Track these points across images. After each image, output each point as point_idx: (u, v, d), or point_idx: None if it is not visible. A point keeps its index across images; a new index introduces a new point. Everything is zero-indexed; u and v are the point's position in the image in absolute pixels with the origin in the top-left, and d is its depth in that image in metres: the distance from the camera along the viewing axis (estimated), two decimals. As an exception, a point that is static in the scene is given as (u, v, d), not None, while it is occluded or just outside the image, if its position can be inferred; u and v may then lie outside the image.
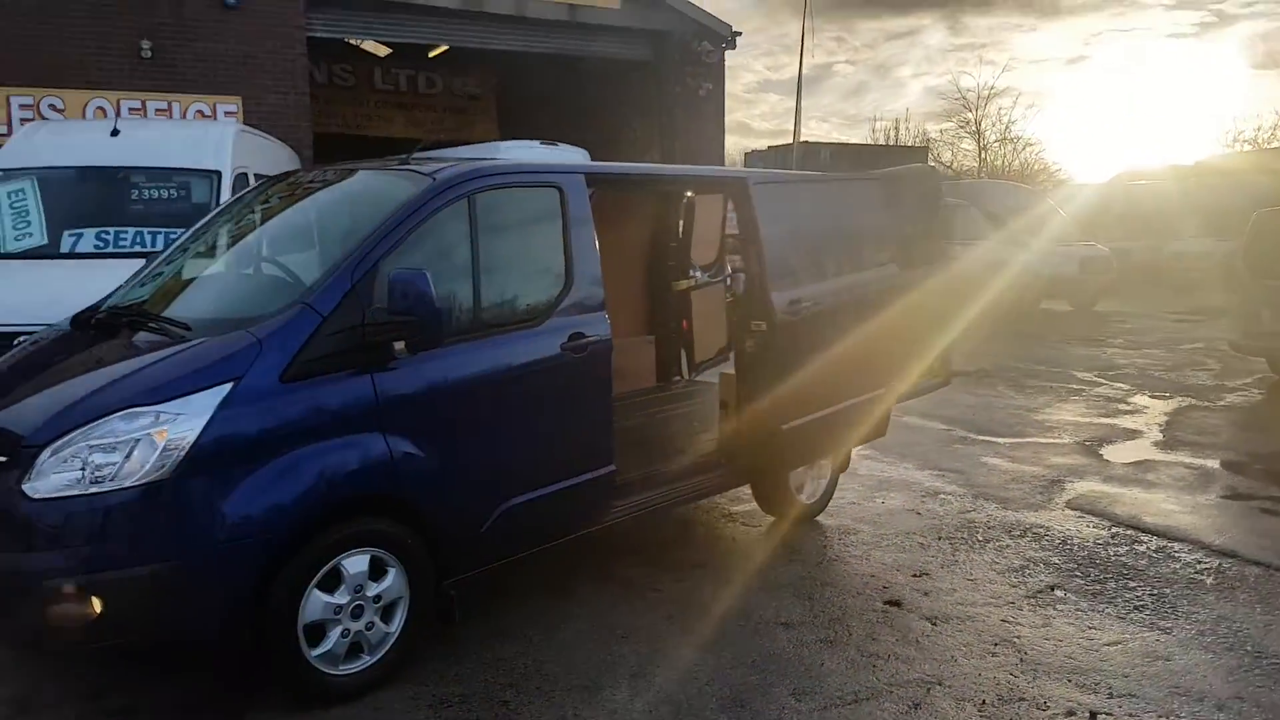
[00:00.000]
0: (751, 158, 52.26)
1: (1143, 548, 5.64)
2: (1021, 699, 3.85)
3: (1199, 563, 5.40)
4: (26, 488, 3.27)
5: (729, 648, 4.24)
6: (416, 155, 4.83)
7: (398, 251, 3.79)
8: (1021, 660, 4.20)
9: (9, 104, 11.43)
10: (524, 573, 4.86)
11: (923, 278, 6.46)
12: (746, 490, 6.03)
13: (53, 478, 3.27)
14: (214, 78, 12.40)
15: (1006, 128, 45.30)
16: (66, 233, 7.42)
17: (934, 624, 4.57)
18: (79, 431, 3.30)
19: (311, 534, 3.53)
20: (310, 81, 16.96)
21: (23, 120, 11.31)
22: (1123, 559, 5.45)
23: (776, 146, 45.37)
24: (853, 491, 6.76)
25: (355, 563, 3.66)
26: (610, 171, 5.69)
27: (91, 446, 3.28)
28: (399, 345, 3.69)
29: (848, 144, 44.15)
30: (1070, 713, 3.76)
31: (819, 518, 6.13)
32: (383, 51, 19.55)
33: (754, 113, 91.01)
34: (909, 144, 50.91)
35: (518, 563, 4.50)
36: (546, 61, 16.84)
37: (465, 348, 3.98)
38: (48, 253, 7.22)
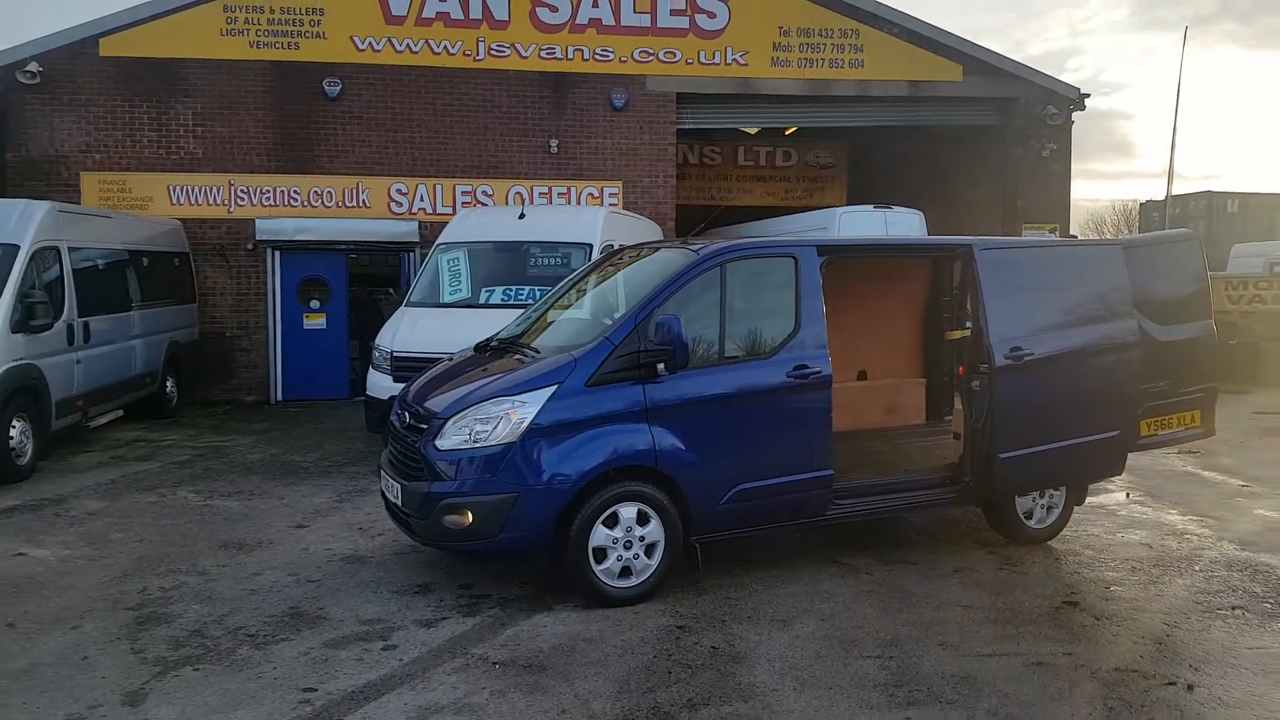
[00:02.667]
0: (1147, 208, 48.48)
1: (1367, 593, 5.85)
2: (1134, 670, 4.67)
3: None
4: (437, 442, 5.43)
5: (906, 612, 5.44)
6: (703, 230, 6.61)
7: (668, 303, 5.56)
8: (1159, 648, 4.95)
9: (454, 190, 15.02)
10: (762, 549, 6.42)
11: (1174, 335, 7.07)
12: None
13: (451, 438, 5.41)
14: (602, 166, 15.29)
15: None
16: (484, 289, 10.18)
17: (1097, 619, 5.39)
18: (469, 410, 5.42)
19: (599, 486, 5.36)
20: (684, 162, 19.81)
21: (463, 202, 14.85)
22: (1334, 598, 5.75)
23: (1177, 197, 42.01)
24: (1100, 526, 7.41)
25: (627, 510, 5.43)
26: (838, 243, 7.11)
27: (475, 420, 5.38)
28: (661, 366, 5.43)
29: (1259, 194, 39.86)
30: (1171, 683, 4.52)
31: (1050, 543, 6.92)
32: (753, 129, 21.94)
33: (1179, 155, 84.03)
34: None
35: (757, 541, 6.01)
36: (893, 130, 18.11)
37: (712, 371, 5.66)
38: (470, 303, 10.00)
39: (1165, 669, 4.72)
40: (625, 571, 5.49)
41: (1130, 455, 7.03)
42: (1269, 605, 5.63)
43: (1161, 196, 42.18)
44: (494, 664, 4.67)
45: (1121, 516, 7.73)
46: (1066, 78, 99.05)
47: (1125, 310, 6.85)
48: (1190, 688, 4.51)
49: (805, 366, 5.83)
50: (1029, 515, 6.85)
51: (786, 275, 5.96)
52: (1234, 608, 5.59)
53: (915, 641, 5.01)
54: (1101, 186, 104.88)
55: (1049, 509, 6.92)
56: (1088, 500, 7.41)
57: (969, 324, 6.79)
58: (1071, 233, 25.80)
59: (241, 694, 4.32)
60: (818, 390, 5.88)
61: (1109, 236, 51.02)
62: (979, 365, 6.45)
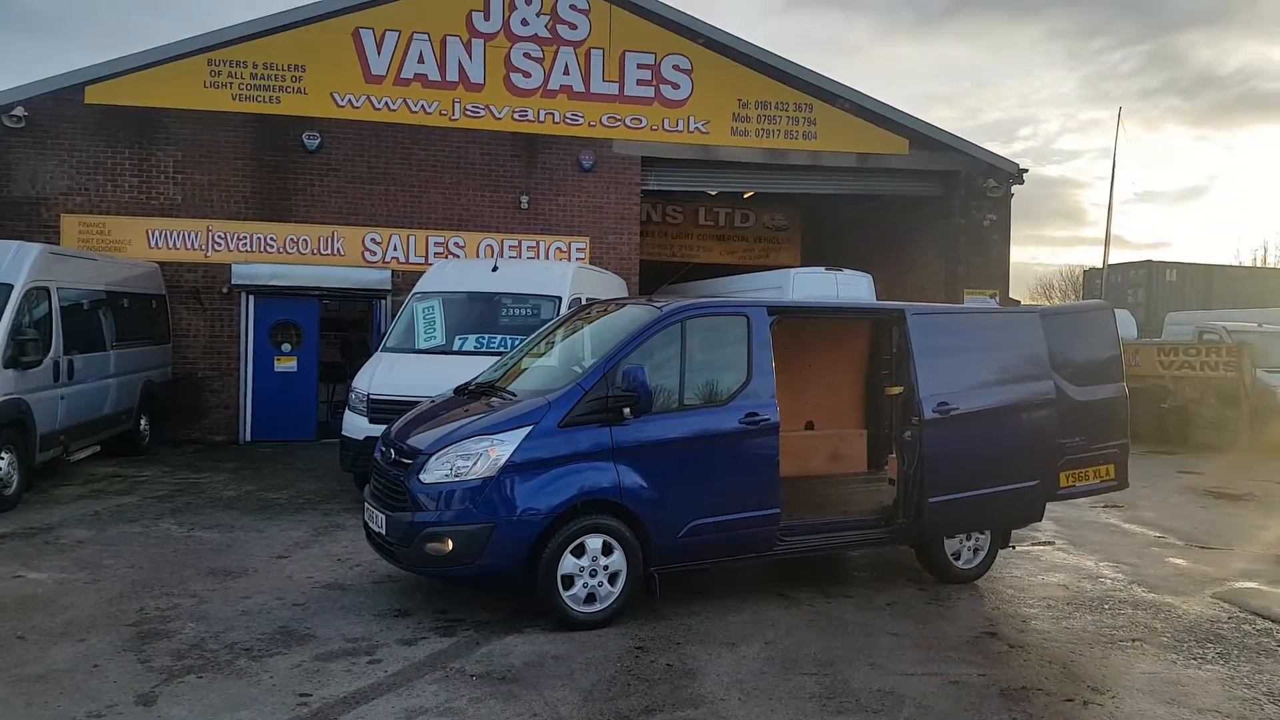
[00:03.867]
0: (1090, 274, 50.45)
1: (1248, 627, 6.59)
2: (1039, 689, 5.30)
3: (1293, 642, 6.27)
4: (421, 476, 5.98)
5: (841, 637, 6.05)
6: (670, 285, 7.29)
7: (633, 354, 6.19)
8: (1063, 671, 5.60)
9: (427, 241, 15.62)
10: (716, 581, 7.00)
11: (1089, 395, 7.83)
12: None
13: (434, 472, 5.95)
14: (570, 222, 16.03)
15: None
16: (458, 337, 10.76)
17: (1011, 647, 6.04)
18: (451, 447, 5.98)
19: (568, 519, 5.93)
20: (648, 220, 20.63)
21: (436, 253, 15.46)
22: (1220, 630, 6.46)
23: (1118, 265, 43.69)
24: (1023, 569, 8.09)
25: (593, 541, 6.00)
26: (785, 305, 7.88)
27: (457, 455, 5.94)
28: (627, 411, 6.05)
29: (1195, 264, 41.70)
30: (1069, 699, 5.17)
31: (976, 582, 7.58)
32: (714, 190, 22.89)
33: (1129, 224, 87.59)
34: (1275, 265, 46.72)
35: (711, 574, 6.59)
36: (844, 197, 19.12)
37: (672, 416, 6.29)
38: (445, 349, 10.55)
39: (1066, 688, 5.36)
40: (590, 598, 6.03)
41: (1054, 505, 7.73)
42: (1165, 639, 6.31)
43: (1111, 263, 44.15)
44: (471, 676, 5.19)
45: (1044, 561, 8.43)
46: (1018, 146, 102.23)
47: (1043, 372, 7.60)
48: (1085, 704, 5.15)
49: (756, 414, 6.48)
50: (957, 556, 7.52)
51: (740, 332, 6.63)
52: (1134, 640, 6.27)
53: (847, 662, 5.61)
54: (1053, 252, 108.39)
55: (975, 551, 7.60)
56: (1016, 546, 8.11)
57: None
58: (1014, 297, 27.02)
59: (244, 697, 4.80)
60: (766, 436, 6.53)
61: (1055, 302, 52.94)
62: (910, 418, 7.15)
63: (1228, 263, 46.52)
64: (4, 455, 8.95)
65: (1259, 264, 49.85)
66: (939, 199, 18.20)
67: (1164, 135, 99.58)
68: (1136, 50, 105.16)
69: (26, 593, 6.47)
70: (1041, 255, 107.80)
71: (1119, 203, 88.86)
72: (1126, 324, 27.81)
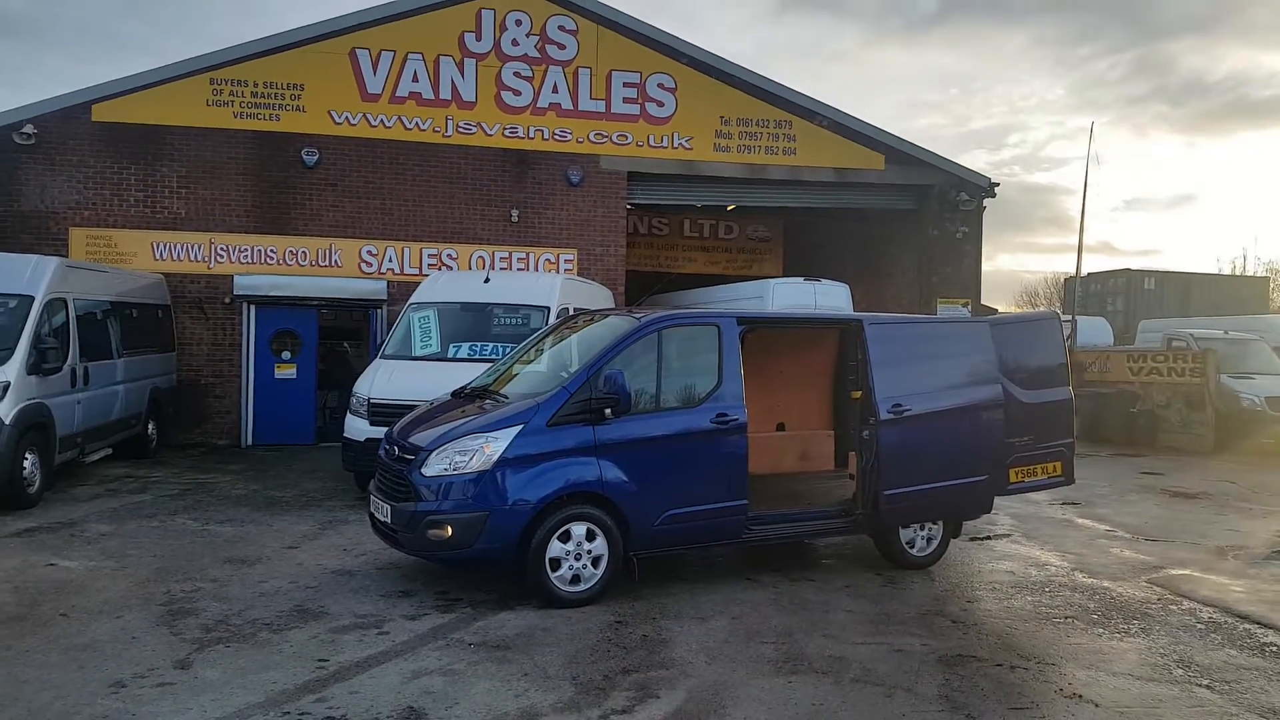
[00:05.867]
0: (1069, 283, 51.30)
1: (1174, 607, 7.27)
2: (973, 656, 5.97)
3: (1210, 618, 6.97)
4: (423, 470, 6.63)
5: (801, 614, 6.73)
6: (652, 296, 7.96)
7: (614, 360, 6.86)
8: (997, 642, 6.28)
9: (421, 253, 16.27)
10: (688, 567, 7.67)
11: (1037, 398, 8.51)
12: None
13: (435, 466, 6.61)
14: (559, 235, 16.72)
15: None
16: (452, 344, 11.40)
17: (953, 622, 6.72)
18: (449, 444, 6.64)
19: (555, 508, 6.59)
20: (634, 232, 21.35)
21: (429, 264, 16.12)
22: (1147, 610, 7.15)
23: (1097, 273, 44.55)
24: (975, 557, 8.78)
25: (578, 528, 6.66)
26: (754, 315, 8.64)
27: (455, 451, 6.59)
28: (608, 411, 6.71)
29: (1175, 272, 42.58)
30: (999, 664, 5.84)
31: (930, 569, 8.25)
32: (699, 204, 23.65)
33: (1118, 231, 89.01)
34: (1253, 273, 47.75)
35: (687, 560, 7.24)
36: (824, 210, 19.85)
37: (649, 416, 6.96)
38: (440, 357, 11.19)
39: (999, 656, 6.03)
40: (575, 579, 6.69)
41: (1014, 502, 8.32)
42: (1095, 617, 6.99)
43: (1096, 270, 44.98)
44: (469, 644, 5.84)
45: (996, 551, 9.12)
46: (1007, 153, 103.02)
47: (992, 376, 8.27)
48: (1013, 668, 5.82)
49: (725, 415, 7.15)
50: (911, 544, 8.20)
51: (711, 340, 7.31)
52: (1067, 617, 6.95)
53: (804, 633, 6.28)
54: (1043, 259, 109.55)
55: (929, 540, 8.28)
56: (971, 538, 8.77)
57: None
58: (992, 305, 27.82)
59: (269, 662, 5.44)
60: (735, 434, 7.20)
61: (1042, 308, 53.86)
62: (868, 418, 7.84)
63: (1209, 270, 47.56)
64: (29, 456, 9.55)
65: (1238, 272, 50.84)
66: (914, 212, 18.95)
67: (1153, 142, 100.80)
68: (1124, 57, 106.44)
69: (61, 578, 7.09)
70: (1030, 263, 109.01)
71: (1108, 210, 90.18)
72: (1102, 331, 28.64)
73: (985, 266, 19.03)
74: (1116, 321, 34.82)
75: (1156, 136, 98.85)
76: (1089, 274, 40.92)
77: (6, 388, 9.29)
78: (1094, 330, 27.36)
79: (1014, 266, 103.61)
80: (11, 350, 9.56)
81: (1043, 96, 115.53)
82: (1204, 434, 17.43)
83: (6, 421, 9.19)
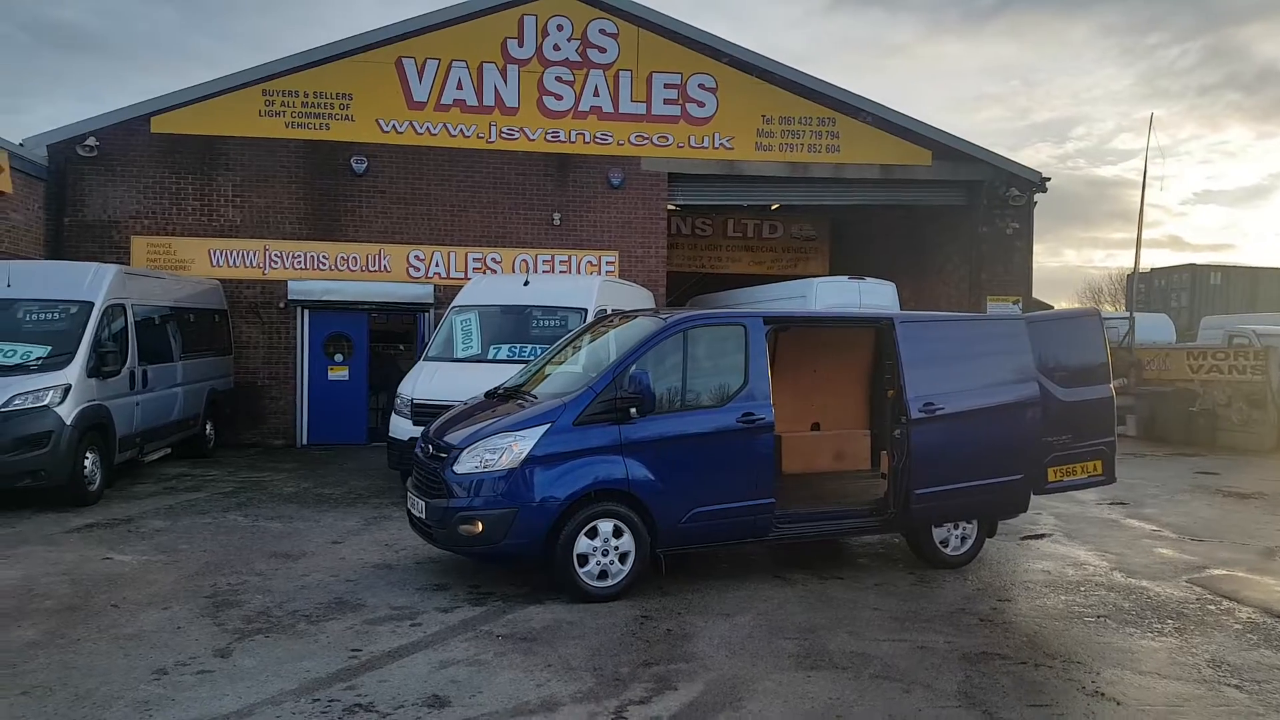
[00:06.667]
0: (1131, 279, 50.18)
1: (1212, 607, 7.17)
2: (997, 654, 5.97)
3: (1248, 618, 6.85)
4: (455, 468, 6.82)
5: (827, 611, 6.77)
6: (693, 298, 8.07)
7: (641, 360, 6.98)
8: (1024, 641, 6.26)
9: (466, 257, 16.57)
10: (718, 564, 7.76)
11: (1076, 396, 8.42)
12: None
13: (466, 464, 6.79)
14: (600, 237, 16.89)
15: None
16: (492, 346, 11.63)
17: (981, 621, 6.70)
18: (480, 442, 6.82)
19: (582, 505, 6.74)
20: (677, 232, 21.45)
21: (474, 268, 16.41)
22: (1184, 610, 7.05)
23: (1161, 269, 43.48)
24: (1011, 557, 8.72)
25: (605, 525, 6.79)
26: (781, 315, 8.67)
27: (485, 450, 6.77)
28: (634, 410, 6.83)
29: (1242, 267, 41.44)
30: (1022, 663, 5.82)
31: (964, 568, 8.21)
32: (745, 203, 23.66)
33: (1189, 225, 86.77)
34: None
35: (717, 558, 7.32)
36: (870, 207, 19.74)
37: (675, 415, 7.06)
38: (480, 358, 11.43)
39: (1023, 654, 6.02)
40: (603, 574, 6.83)
41: (1059, 501, 8.14)
42: (1129, 616, 6.92)
43: (1160, 265, 43.87)
44: (497, 636, 6.01)
45: (1035, 550, 9.04)
46: (1071, 146, 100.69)
47: (1028, 374, 8.20)
48: (1037, 666, 5.81)
49: (752, 414, 7.22)
50: (945, 543, 8.18)
51: (738, 340, 7.39)
52: (1099, 616, 6.89)
53: (828, 630, 6.33)
54: (1108, 254, 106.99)
55: (963, 539, 8.25)
56: (1013, 537, 8.68)
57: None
58: (1046, 302, 27.31)
59: (305, 651, 5.66)
60: (762, 433, 7.27)
61: (1103, 305, 52.75)
62: (900, 417, 7.84)
63: (1277, 265, 46.08)
64: (89, 455, 9.98)
65: (1309, 265, 49.23)
66: (963, 208, 18.73)
67: (1225, 133, 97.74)
68: (1195, 45, 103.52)
69: (115, 572, 7.43)
70: (1096, 258, 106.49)
71: (1178, 203, 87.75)
72: (1163, 328, 27.95)
73: (1050, 262, 18.96)
74: (1180, 318, 33.97)
75: (1229, 126, 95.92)
76: (1152, 269, 39.90)
77: (68, 390, 9.72)
78: (1155, 327, 26.74)
79: (1079, 262, 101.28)
80: (72, 354, 10.00)
81: (1108, 87, 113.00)
82: (1265, 432, 16.98)
83: (68, 422, 9.61)
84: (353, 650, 5.70)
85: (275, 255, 15.92)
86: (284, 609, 6.50)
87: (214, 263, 15.72)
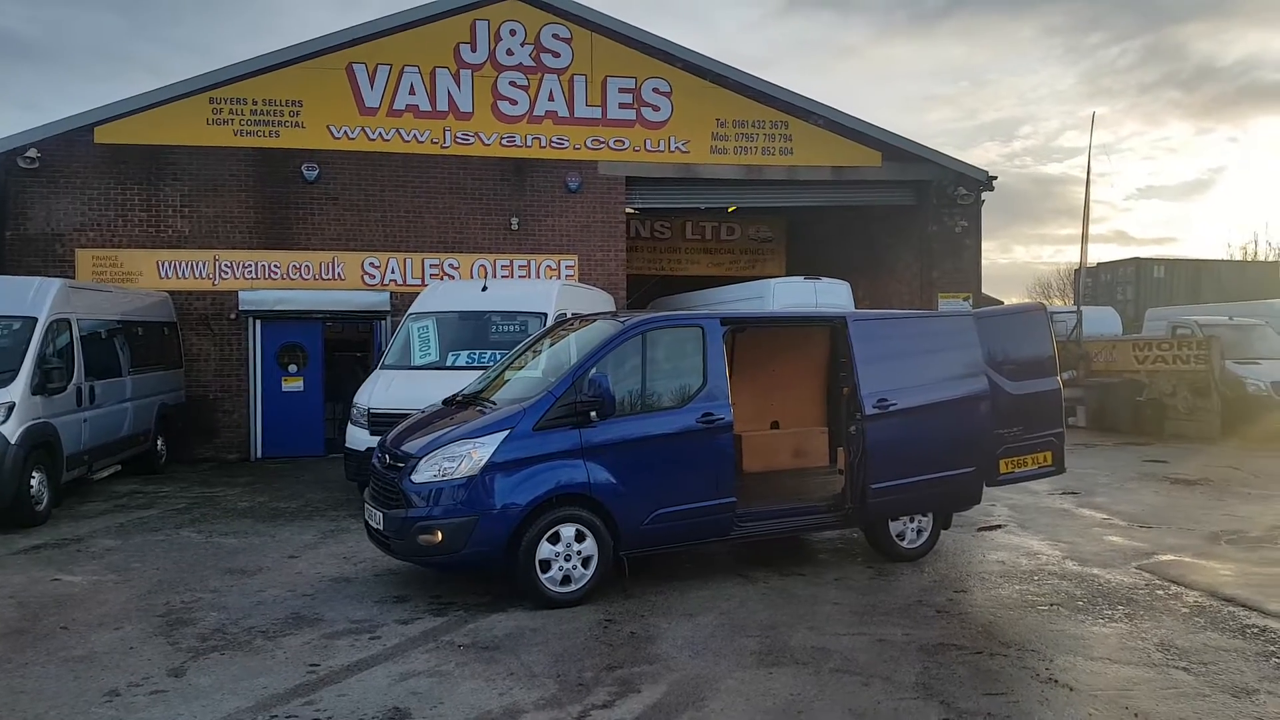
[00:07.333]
0: (1077, 274, 51.17)
1: (1160, 592, 7.32)
2: (953, 645, 6.05)
3: (1195, 602, 7.01)
4: (413, 477, 6.76)
5: (788, 607, 6.82)
6: (658, 300, 8.08)
7: (600, 364, 6.98)
8: (980, 631, 6.35)
9: (423, 264, 16.45)
10: (681, 564, 7.77)
11: (1024, 389, 8.56)
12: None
13: (424, 473, 6.74)
14: (559, 241, 16.86)
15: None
16: (450, 353, 11.55)
17: (938, 612, 6.79)
18: (439, 450, 6.77)
19: (544, 510, 6.71)
20: (636, 236, 21.48)
21: (431, 274, 16.29)
22: (1133, 596, 7.20)
23: (1107, 263, 44.31)
24: (967, 549, 8.84)
25: (567, 530, 6.78)
26: (737, 316, 8.81)
27: (444, 458, 6.72)
28: (594, 414, 6.83)
29: (1184, 260, 42.36)
30: (978, 652, 5.91)
31: (921, 560, 8.32)
32: (702, 205, 23.75)
33: (1133, 220, 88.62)
34: (1263, 259, 47.35)
35: (681, 559, 7.33)
36: (824, 208, 19.92)
37: (635, 418, 7.08)
38: (438, 365, 11.35)
39: (979, 644, 6.10)
40: (566, 579, 6.81)
41: (1012, 493, 8.29)
42: (1081, 604, 7.04)
43: (1106, 259, 44.81)
44: (459, 646, 5.97)
45: (990, 541, 9.17)
46: (1018, 145, 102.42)
47: (977, 369, 8.34)
48: (993, 655, 5.90)
49: (711, 414, 7.26)
50: (901, 537, 8.28)
51: (696, 342, 7.42)
52: (1052, 605, 7.01)
53: (789, 626, 6.38)
54: (1056, 250, 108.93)
55: (919, 532, 8.35)
56: (970, 530, 8.79)
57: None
58: (997, 298, 27.73)
59: (261, 668, 5.58)
60: (722, 433, 7.30)
61: (1052, 299, 53.75)
62: (855, 414, 7.92)
63: (1221, 257, 47.15)
64: (35, 475, 9.76)
65: (1249, 257, 50.40)
66: (913, 207, 18.99)
67: (1166, 129, 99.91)
68: (1134, 44, 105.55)
69: (64, 593, 7.27)
70: (1045, 254, 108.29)
71: (1122, 199, 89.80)
72: (1110, 321, 28.52)
73: (1001, 259, 19.19)
74: (1126, 310, 34.66)
75: (1169, 123, 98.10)
76: (1099, 264, 40.72)
77: (11, 408, 9.49)
78: (1102, 320, 27.28)
79: (1027, 258, 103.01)
80: (15, 371, 9.77)
81: (1053, 86, 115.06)
82: (1210, 420, 17.39)
83: (12, 441, 9.39)
84: (310, 665, 5.63)
85: (225, 265, 15.68)
86: (240, 625, 6.40)
87: (163, 274, 15.45)
